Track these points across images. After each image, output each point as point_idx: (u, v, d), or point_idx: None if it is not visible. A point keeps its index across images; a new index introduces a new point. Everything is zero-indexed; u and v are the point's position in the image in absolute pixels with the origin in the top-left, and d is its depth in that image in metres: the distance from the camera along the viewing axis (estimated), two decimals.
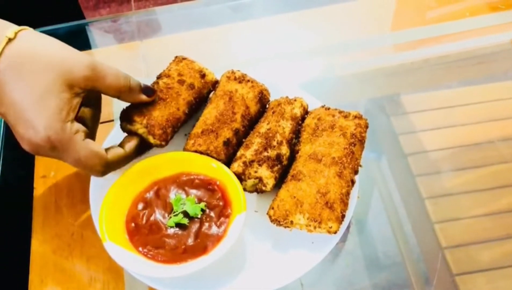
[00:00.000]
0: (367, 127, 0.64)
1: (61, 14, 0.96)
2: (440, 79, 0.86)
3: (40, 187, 0.70)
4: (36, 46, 0.55)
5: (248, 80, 0.69)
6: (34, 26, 0.59)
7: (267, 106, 0.71)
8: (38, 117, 0.53)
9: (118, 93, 0.59)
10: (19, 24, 0.56)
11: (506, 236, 0.69)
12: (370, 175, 0.67)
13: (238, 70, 0.71)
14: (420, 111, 0.86)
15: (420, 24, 0.92)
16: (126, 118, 0.63)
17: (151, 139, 0.62)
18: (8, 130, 0.75)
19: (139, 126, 0.62)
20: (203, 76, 0.70)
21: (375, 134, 0.82)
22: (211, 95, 0.71)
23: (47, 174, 0.71)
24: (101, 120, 0.78)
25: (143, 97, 0.62)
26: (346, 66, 0.86)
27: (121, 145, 0.62)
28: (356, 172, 0.61)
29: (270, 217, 0.58)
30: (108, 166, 0.59)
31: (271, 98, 0.71)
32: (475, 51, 0.87)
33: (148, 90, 0.62)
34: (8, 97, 0.53)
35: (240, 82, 0.69)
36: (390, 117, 0.84)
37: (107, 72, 0.57)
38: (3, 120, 0.75)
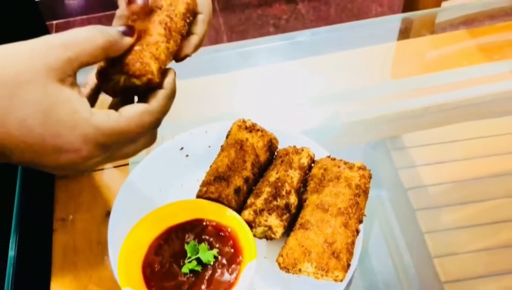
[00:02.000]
0: (370, 177, 0.68)
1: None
2: (440, 124, 0.90)
3: (59, 230, 0.73)
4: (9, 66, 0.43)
5: (258, 129, 0.73)
6: None
7: (276, 153, 0.74)
8: (64, 133, 0.44)
9: (106, 54, 0.48)
10: None
11: (504, 271, 0.71)
12: (371, 208, 0.69)
13: (249, 119, 0.75)
14: (419, 146, 0.89)
15: (419, 73, 0.97)
16: (103, 78, 0.52)
17: (135, 81, 0.51)
18: (25, 172, 0.78)
19: (117, 76, 0.51)
20: None
21: (376, 168, 0.85)
22: (223, 142, 0.74)
23: (66, 217, 0.74)
24: (115, 164, 0.81)
25: (127, 41, 0.50)
26: (349, 114, 0.89)
27: (146, 99, 0.51)
28: (360, 222, 0.65)
29: (279, 264, 0.62)
30: (159, 117, 0.51)
31: (279, 146, 0.75)
32: (473, 99, 0.91)
33: (127, 31, 0.51)
34: (13, 137, 0.43)
35: (250, 131, 0.73)
36: (390, 151, 0.87)
37: (84, 43, 0.46)
38: None
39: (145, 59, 0.51)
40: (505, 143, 0.86)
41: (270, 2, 2.61)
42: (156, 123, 0.51)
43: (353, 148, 0.88)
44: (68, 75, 0.45)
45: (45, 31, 0.93)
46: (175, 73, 0.54)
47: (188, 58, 0.58)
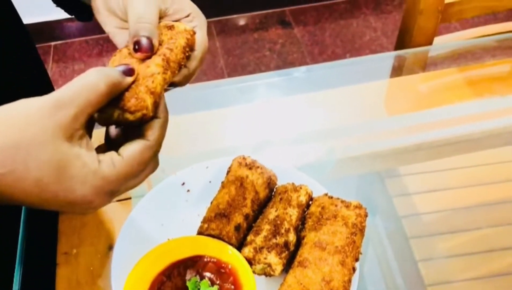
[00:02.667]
0: (366, 216, 0.70)
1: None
2: (432, 158, 0.93)
3: (62, 264, 0.75)
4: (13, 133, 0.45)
5: (258, 167, 0.76)
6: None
7: (275, 190, 0.77)
8: (76, 188, 0.47)
9: (109, 98, 0.50)
10: None
11: None
12: (366, 236, 0.70)
13: (249, 156, 0.77)
14: (413, 174, 0.92)
15: (411, 109, 1.00)
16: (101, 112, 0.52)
17: (129, 116, 0.51)
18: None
19: (111, 110, 0.51)
20: (170, 27, 0.59)
21: (370, 196, 0.87)
22: (223, 178, 0.77)
23: (69, 251, 0.76)
24: (117, 198, 0.83)
25: (128, 80, 0.52)
26: (345, 149, 0.92)
27: (142, 130, 0.53)
28: (357, 260, 0.67)
29: None
30: (158, 149, 0.53)
31: (278, 182, 0.78)
32: (465, 136, 0.94)
33: (127, 71, 0.52)
34: (29, 195, 0.46)
35: (250, 168, 0.75)
36: (384, 179, 0.90)
37: (89, 95, 0.47)
38: None
39: (140, 94, 0.51)
40: (499, 172, 0.88)
41: (266, 26, 2.66)
42: (155, 154, 0.53)
43: (348, 177, 0.90)
44: (76, 130, 0.47)
45: (35, 53, 0.93)
46: (164, 97, 0.55)
47: (178, 89, 0.61)
